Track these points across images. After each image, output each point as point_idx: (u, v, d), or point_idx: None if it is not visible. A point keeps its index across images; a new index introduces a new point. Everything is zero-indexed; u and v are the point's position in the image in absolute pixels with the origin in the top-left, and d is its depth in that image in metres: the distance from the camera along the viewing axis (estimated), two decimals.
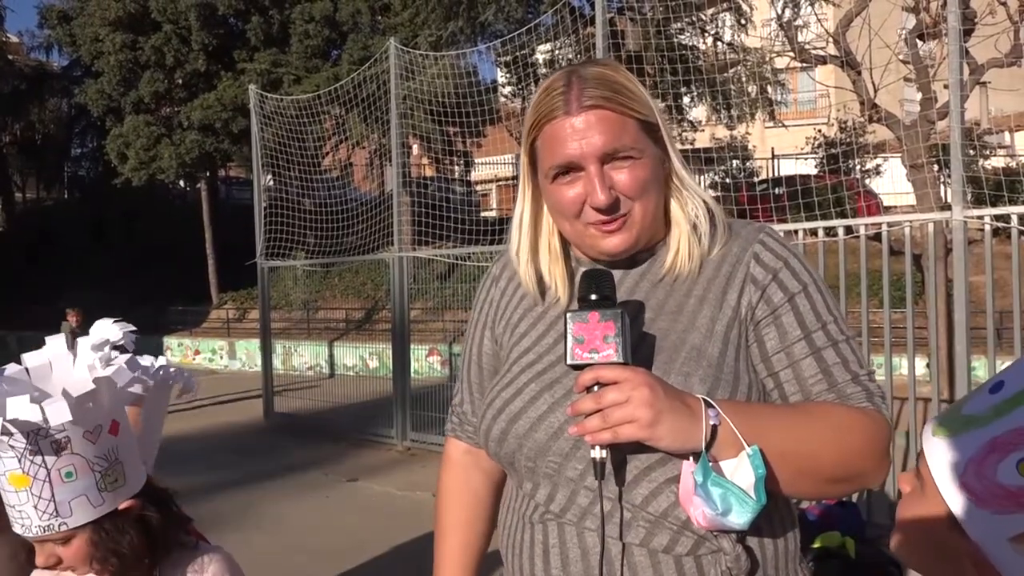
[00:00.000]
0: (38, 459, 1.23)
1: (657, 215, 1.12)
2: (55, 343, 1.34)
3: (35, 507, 1.26)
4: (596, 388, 0.95)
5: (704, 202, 1.14)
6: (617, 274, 1.12)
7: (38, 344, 1.36)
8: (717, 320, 1.09)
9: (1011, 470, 0.62)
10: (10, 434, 1.20)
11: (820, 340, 1.08)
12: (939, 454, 0.67)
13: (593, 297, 1.00)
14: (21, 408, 1.19)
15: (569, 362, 0.97)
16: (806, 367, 1.07)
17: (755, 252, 1.12)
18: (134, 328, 1.41)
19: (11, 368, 1.30)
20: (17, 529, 1.30)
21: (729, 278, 1.11)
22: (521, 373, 1.15)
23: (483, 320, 1.29)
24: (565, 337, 0.98)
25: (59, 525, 1.27)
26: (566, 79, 1.08)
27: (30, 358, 1.32)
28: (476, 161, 18.54)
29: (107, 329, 1.38)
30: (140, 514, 1.38)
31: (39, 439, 1.23)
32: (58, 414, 1.21)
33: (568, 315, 0.98)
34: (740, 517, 0.93)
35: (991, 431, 0.64)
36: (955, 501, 0.65)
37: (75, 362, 1.34)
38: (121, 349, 1.39)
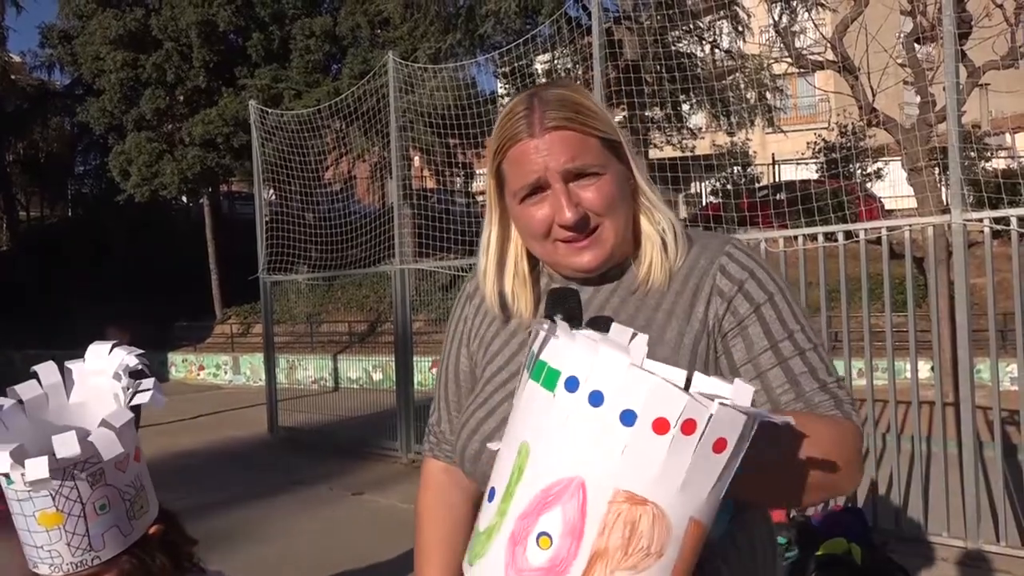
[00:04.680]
0: (73, 494, 1.21)
1: (627, 230, 1.13)
2: (47, 372, 1.32)
3: (68, 544, 1.23)
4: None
5: (668, 217, 1.15)
6: (588, 291, 1.14)
7: (43, 362, 1.35)
8: (685, 334, 1.09)
9: (535, 551, 0.64)
10: (68, 477, 1.19)
11: (787, 350, 1.07)
12: None
13: (559, 317, 1.00)
14: (69, 446, 1.17)
15: None
16: (773, 377, 1.07)
17: (721, 264, 1.12)
18: (142, 351, 1.40)
19: (4, 402, 1.28)
20: (43, 570, 1.27)
21: (696, 291, 1.12)
22: (494, 392, 1.17)
23: (458, 337, 1.30)
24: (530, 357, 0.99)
25: (92, 559, 1.26)
26: (527, 102, 1.10)
27: (23, 389, 1.30)
28: (477, 172, 18.57)
29: (117, 356, 1.36)
30: (163, 538, 1.38)
31: (75, 473, 1.21)
32: (109, 447, 1.20)
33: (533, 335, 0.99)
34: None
35: (505, 531, 0.66)
36: None
37: (58, 396, 1.33)
38: (140, 374, 1.37)
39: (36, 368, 1.33)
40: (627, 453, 0.63)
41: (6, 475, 1.19)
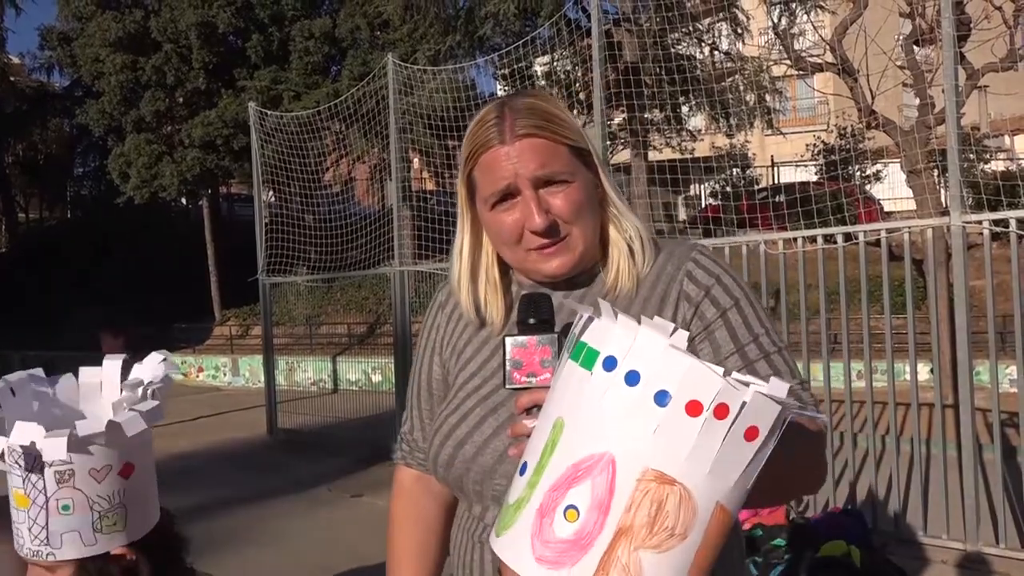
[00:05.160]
0: (39, 484, 1.23)
1: (595, 237, 1.16)
2: (111, 365, 1.35)
3: (29, 530, 1.25)
4: (535, 410, 0.95)
5: (635, 225, 1.18)
6: (558, 296, 1.16)
7: (42, 364, 1.37)
8: None
9: (562, 523, 0.65)
10: (37, 467, 1.21)
11: (752, 353, 1.10)
12: (510, 547, 0.69)
13: (531, 321, 1.03)
14: (24, 435, 1.20)
15: (508, 386, 1.01)
16: None
17: (688, 270, 1.15)
18: (175, 370, 1.40)
19: (66, 378, 1.33)
20: (14, 545, 1.30)
21: (664, 296, 1.14)
22: (467, 398, 1.18)
23: (431, 346, 1.32)
24: (503, 361, 1.01)
25: (47, 555, 1.26)
26: (498, 111, 1.12)
27: (85, 373, 1.34)
28: None
29: (149, 368, 1.37)
30: (130, 564, 1.34)
31: (44, 466, 1.22)
32: (54, 450, 1.21)
33: (506, 339, 1.02)
34: None
35: (534, 503, 0.68)
36: None
37: (112, 392, 1.35)
38: (153, 395, 1.36)
39: (106, 359, 1.37)
40: (659, 433, 0.64)
41: None
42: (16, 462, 1.22)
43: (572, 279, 1.17)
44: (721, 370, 0.69)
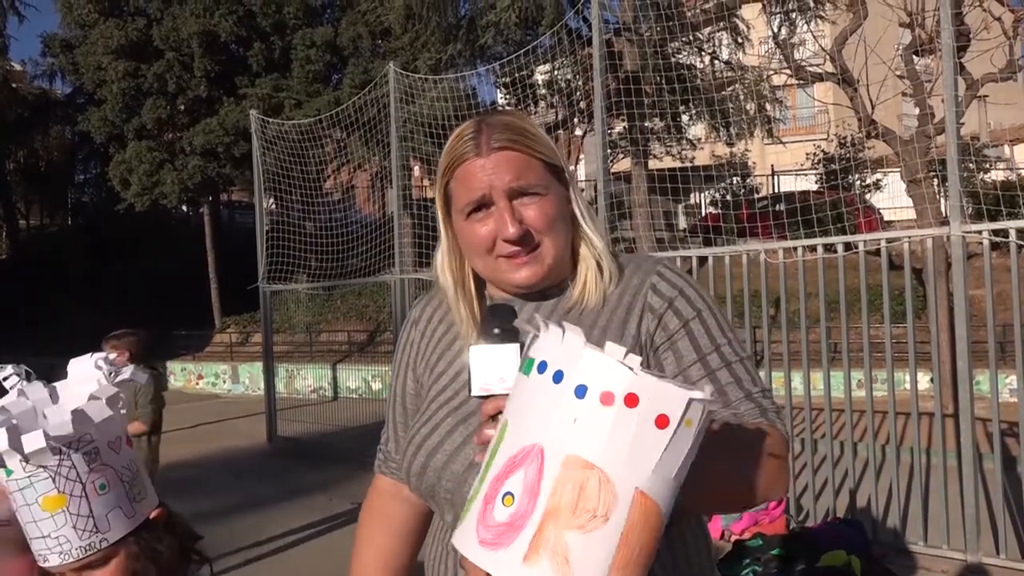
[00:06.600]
0: (72, 474, 1.22)
1: (566, 251, 1.19)
2: (35, 389, 1.32)
3: (75, 527, 1.23)
4: (499, 416, 0.97)
5: (602, 245, 1.21)
6: (529, 308, 1.20)
7: (42, 370, 1.37)
8: None
9: (501, 508, 0.73)
10: (65, 456, 1.20)
11: (714, 362, 1.13)
12: (462, 536, 0.76)
13: (496, 331, 1.07)
14: (61, 419, 1.19)
15: (473, 394, 1.04)
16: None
17: (652, 283, 1.18)
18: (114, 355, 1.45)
19: (32, 388, 1.30)
20: (54, 560, 1.25)
21: (629, 308, 1.18)
22: (438, 409, 1.22)
23: (405, 361, 1.36)
24: (469, 370, 1.04)
25: (100, 541, 1.25)
26: (475, 126, 1.17)
27: (13, 405, 1.29)
28: None
29: (97, 357, 1.40)
30: (167, 520, 1.39)
31: (71, 453, 1.22)
32: (98, 411, 1.23)
33: (471, 349, 1.05)
34: None
35: (481, 494, 0.76)
36: (486, 562, 0.72)
37: (65, 394, 1.34)
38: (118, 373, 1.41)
39: (23, 388, 1.32)
40: (578, 422, 0.71)
41: (3, 467, 1.20)
42: (42, 465, 1.20)
43: (543, 291, 1.20)
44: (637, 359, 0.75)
